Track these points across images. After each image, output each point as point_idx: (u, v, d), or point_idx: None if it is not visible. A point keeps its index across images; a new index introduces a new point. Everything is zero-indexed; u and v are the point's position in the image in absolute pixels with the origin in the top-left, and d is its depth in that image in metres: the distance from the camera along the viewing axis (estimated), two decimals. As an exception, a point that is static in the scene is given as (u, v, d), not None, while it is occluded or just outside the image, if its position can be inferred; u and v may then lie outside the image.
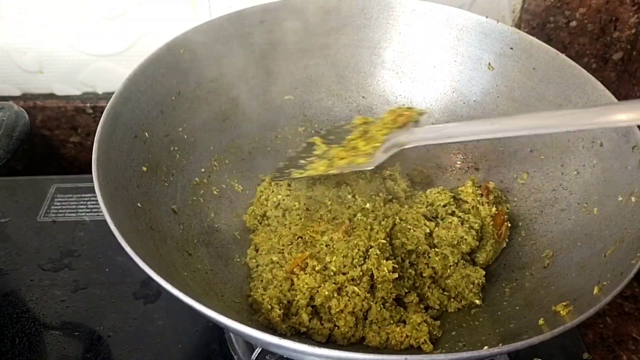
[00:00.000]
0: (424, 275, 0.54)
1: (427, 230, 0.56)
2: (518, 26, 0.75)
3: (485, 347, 0.37)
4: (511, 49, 0.60)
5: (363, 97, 0.67)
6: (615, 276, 0.43)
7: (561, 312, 0.44)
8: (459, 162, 0.65)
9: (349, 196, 0.60)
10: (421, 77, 0.65)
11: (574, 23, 0.74)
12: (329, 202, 0.60)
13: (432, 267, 0.55)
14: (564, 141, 0.57)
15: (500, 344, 0.37)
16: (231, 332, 0.57)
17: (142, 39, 0.75)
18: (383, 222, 0.55)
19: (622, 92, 0.76)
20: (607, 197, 0.50)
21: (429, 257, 0.55)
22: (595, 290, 0.43)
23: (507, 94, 0.61)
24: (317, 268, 0.52)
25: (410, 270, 0.54)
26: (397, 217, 0.56)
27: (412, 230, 0.55)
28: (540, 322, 0.45)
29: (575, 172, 0.55)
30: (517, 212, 0.59)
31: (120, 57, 0.77)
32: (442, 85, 0.65)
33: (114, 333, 0.58)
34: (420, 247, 0.55)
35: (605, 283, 0.43)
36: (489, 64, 0.62)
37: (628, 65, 0.76)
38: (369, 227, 0.55)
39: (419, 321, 0.50)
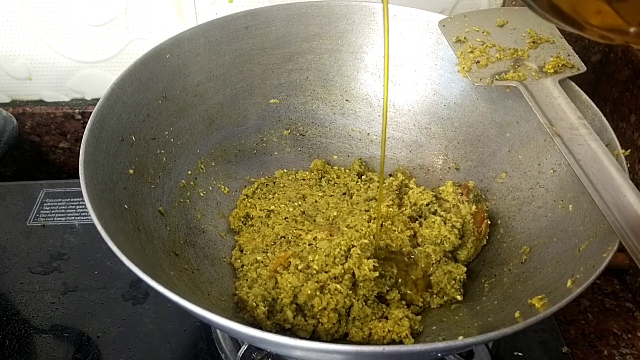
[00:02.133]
0: (408, 274, 0.56)
1: (412, 233, 0.57)
2: (498, 30, 0.76)
3: (460, 337, 0.38)
4: (489, 52, 0.62)
5: (347, 100, 0.68)
6: (587, 269, 0.44)
7: (536, 304, 0.45)
8: (440, 163, 0.66)
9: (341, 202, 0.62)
10: (403, 81, 0.67)
11: (553, 27, 0.76)
12: (324, 209, 0.61)
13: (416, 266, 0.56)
14: (541, 141, 0.58)
15: (475, 335, 0.38)
16: (218, 330, 0.58)
17: (130, 45, 0.76)
18: (371, 224, 0.57)
19: (601, 93, 0.78)
20: (581, 194, 0.51)
21: (413, 257, 0.56)
22: (569, 284, 0.44)
23: (485, 96, 0.63)
24: (299, 267, 0.53)
25: (392, 269, 0.55)
26: (384, 220, 0.57)
27: (397, 232, 0.56)
28: (517, 315, 0.46)
29: (552, 171, 0.56)
30: (496, 210, 0.60)
31: (108, 64, 0.78)
32: (423, 88, 0.66)
33: (103, 334, 0.59)
34: (404, 249, 0.56)
35: (578, 276, 0.45)
36: (469, 67, 0.63)
37: (606, 67, 0.77)
38: (353, 228, 0.56)
39: (401, 316, 0.51)
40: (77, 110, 0.79)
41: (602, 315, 0.65)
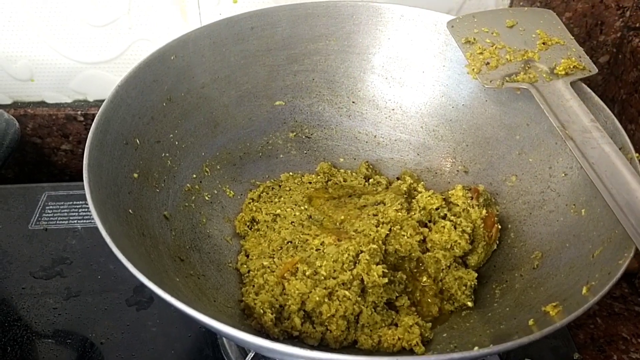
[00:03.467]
0: (417, 280, 0.55)
1: (421, 238, 0.56)
2: (505, 31, 0.75)
3: (476, 348, 0.38)
4: (498, 53, 0.61)
5: (353, 102, 0.67)
6: (603, 276, 0.43)
7: (550, 312, 0.44)
8: (448, 166, 0.65)
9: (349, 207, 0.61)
10: (410, 82, 0.66)
11: (560, 27, 0.75)
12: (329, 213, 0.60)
13: (426, 271, 0.55)
14: (552, 144, 0.57)
15: (491, 345, 0.37)
16: (224, 337, 0.57)
17: (133, 46, 0.75)
18: (379, 228, 0.56)
19: (609, 94, 0.77)
20: (594, 198, 0.51)
21: (422, 263, 0.56)
22: (584, 291, 0.44)
23: (494, 98, 0.62)
24: (307, 273, 0.52)
25: (402, 274, 0.54)
26: (392, 225, 0.56)
27: (406, 237, 0.56)
28: (530, 322, 0.45)
29: (563, 174, 0.55)
30: (507, 214, 0.59)
31: (111, 65, 0.77)
32: (430, 89, 0.65)
33: (106, 340, 0.58)
34: (413, 254, 0.56)
35: (593, 283, 0.44)
36: (478, 68, 0.62)
37: (614, 68, 0.77)
38: (361, 233, 0.55)
39: (411, 323, 0.50)
40: (79, 112, 0.78)
41: (611, 320, 0.64)
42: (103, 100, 0.53)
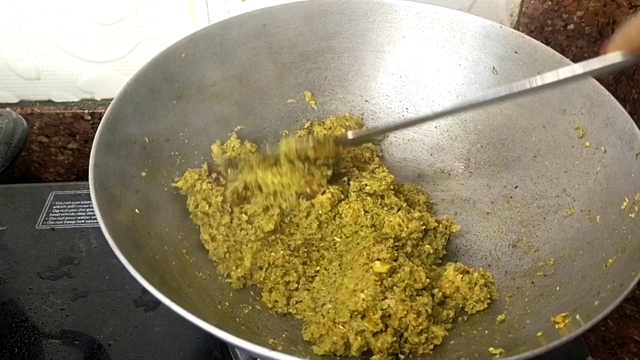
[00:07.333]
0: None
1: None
2: (516, 29, 0.74)
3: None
4: (515, 52, 0.60)
5: (366, 100, 0.67)
6: (614, 287, 0.42)
7: (560, 323, 0.43)
8: (462, 167, 0.64)
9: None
10: (425, 81, 0.65)
11: (571, 26, 0.74)
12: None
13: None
14: (568, 147, 0.56)
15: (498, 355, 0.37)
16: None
17: (141, 45, 0.75)
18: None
19: (620, 94, 0.76)
20: (610, 204, 0.50)
21: None
22: (595, 303, 0.43)
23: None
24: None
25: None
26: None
27: None
28: (539, 334, 0.44)
29: (579, 179, 0.54)
30: (520, 218, 0.58)
31: (118, 63, 0.76)
32: (445, 89, 0.64)
33: (114, 341, 0.58)
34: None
35: (604, 295, 0.43)
36: (493, 68, 0.61)
37: (625, 68, 0.76)
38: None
39: None
40: (86, 111, 0.77)
41: (622, 322, 0.63)
42: (110, 99, 0.53)
